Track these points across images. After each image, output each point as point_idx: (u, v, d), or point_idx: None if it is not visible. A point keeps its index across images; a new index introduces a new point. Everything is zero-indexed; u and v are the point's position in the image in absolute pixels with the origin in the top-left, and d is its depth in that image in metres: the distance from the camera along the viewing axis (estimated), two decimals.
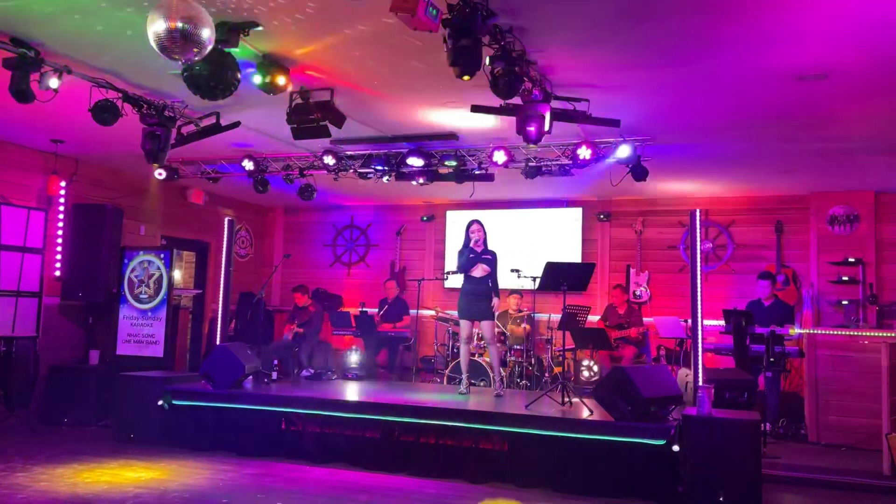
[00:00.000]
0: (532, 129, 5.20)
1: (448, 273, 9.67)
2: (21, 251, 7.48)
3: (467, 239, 6.90)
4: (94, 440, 6.89)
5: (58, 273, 8.10)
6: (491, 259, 6.86)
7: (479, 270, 6.83)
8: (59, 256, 8.13)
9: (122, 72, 5.44)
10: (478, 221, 6.97)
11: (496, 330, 8.71)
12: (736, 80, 5.14)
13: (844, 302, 8.15)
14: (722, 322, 7.41)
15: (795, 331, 7.72)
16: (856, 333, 7.37)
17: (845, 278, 8.17)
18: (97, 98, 5.65)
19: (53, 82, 5.10)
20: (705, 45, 4.56)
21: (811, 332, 7.84)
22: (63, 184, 8.10)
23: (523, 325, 8.91)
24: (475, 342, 8.23)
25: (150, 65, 5.19)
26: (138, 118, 5.95)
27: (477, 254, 6.82)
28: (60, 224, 8.14)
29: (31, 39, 4.84)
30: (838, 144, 6.60)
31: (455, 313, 7.36)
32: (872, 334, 7.12)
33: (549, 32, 4.45)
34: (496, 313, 6.88)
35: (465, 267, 6.88)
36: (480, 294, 6.82)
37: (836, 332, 7.61)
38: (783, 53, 4.63)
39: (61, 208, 8.15)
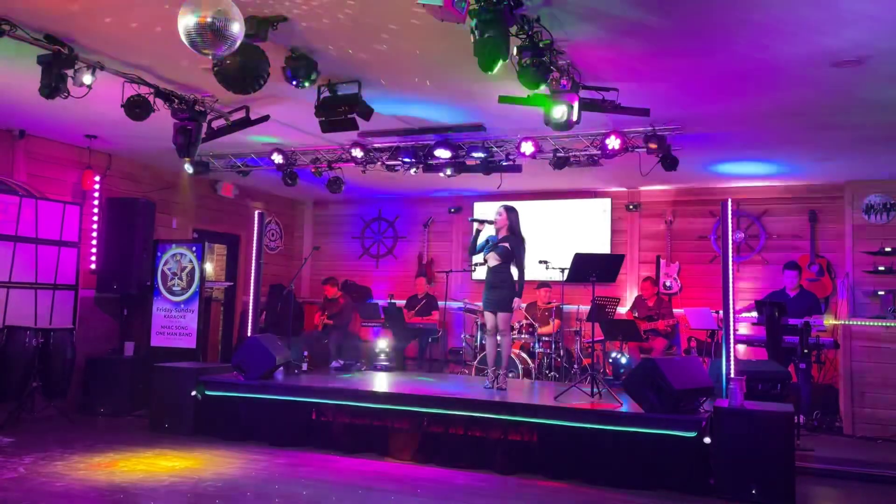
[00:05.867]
0: (560, 119, 5.16)
1: (473, 266, 9.69)
2: (57, 245, 7.64)
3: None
4: (129, 430, 7.03)
5: (93, 266, 8.27)
6: (507, 248, 6.45)
7: (491, 259, 6.56)
8: (94, 250, 8.29)
9: (154, 67, 5.52)
10: (503, 206, 6.63)
11: (525, 321, 8.73)
12: (769, 67, 5.04)
13: (881, 292, 7.98)
14: (754, 313, 7.31)
15: (830, 321, 7.59)
16: (892, 324, 7.23)
17: (881, 268, 8.00)
18: (129, 94, 5.74)
19: (87, 78, 5.19)
20: (737, 31, 4.48)
21: (846, 322, 7.70)
22: (97, 178, 8.25)
23: (552, 321, 8.87)
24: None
25: (180, 60, 5.25)
26: (170, 113, 6.03)
27: (496, 241, 6.55)
28: (95, 218, 8.30)
29: (64, 37, 4.92)
30: (874, 131, 6.46)
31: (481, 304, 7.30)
32: None
33: (577, 21, 4.40)
34: (515, 307, 6.55)
35: (470, 249, 6.74)
36: (494, 284, 6.54)
37: (872, 323, 7.47)
38: (818, 39, 4.53)
39: (96, 202, 8.30)
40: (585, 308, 8.42)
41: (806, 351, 6.82)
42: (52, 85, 5.01)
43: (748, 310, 7.77)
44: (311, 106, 5.89)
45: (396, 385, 6.96)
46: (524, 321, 8.73)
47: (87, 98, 5.30)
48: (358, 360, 8.66)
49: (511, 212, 6.61)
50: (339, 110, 5.79)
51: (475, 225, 6.69)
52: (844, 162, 7.68)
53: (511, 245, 6.49)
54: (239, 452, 6.09)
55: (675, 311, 8.79)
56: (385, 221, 11.43)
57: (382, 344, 8.98)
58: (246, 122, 6.34)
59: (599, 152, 7.02)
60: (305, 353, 7.90)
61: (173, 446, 6.22)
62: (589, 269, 6.35)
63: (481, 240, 6.67)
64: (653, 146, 6.62)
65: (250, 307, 8.00)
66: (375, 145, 7.71)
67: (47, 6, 4.45)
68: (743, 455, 5.05)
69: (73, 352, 7.45)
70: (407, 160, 7.66)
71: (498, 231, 6.61)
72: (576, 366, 8.73)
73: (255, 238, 8.10)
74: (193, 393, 6.82)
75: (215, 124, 6.46)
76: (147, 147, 7.98)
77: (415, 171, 7.93)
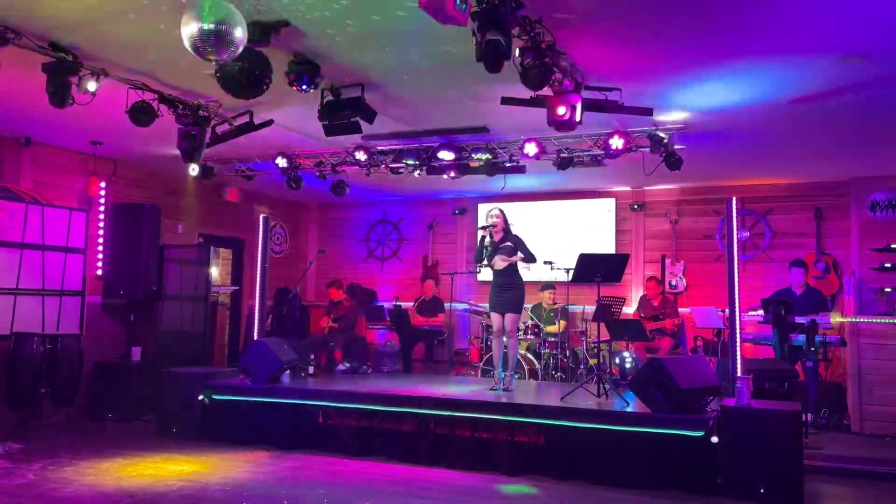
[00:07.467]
0: (563, 120, 5.17)
1: (479, 267, 9.69)
2: (64, 251, 7.67)
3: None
4: (137, 435, 7.05)
5: (99, 272, 8.29)
6: (511, 247, 6.58)
7: (499, 262, 6.62)
8: (100, 256, 8.31)
9: (158, 73, 5.54)
10: (498, 208, 6.74)
11: (531, 322, 8.72)
12: (773, 64, 5.03)
13: (887, 289, 7.95)
14: (760, 311, 7.29)
15: (837, 319, 7.55)
16: None
17: (888, 265, 7.96)
18: (134, 100, 5.76)
19: (91, 85, 5.22)
20: (740, 29, 4.48)
21: (853, 320, 7.66)
22: (103, 185, 8.27)
23: (557, 321, 8.86)
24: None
25: (184, 66, 5.27)
26: (174, 118, 6.06)
27: (494, 245, 6.62)
28: (101, 224, 8.31)
29: (68, 44, 4.95)
30: (880, 128, 6.44)
31: (487, 306, 7.32)
32: None
33: (579, 22, 4.40)
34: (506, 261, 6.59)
35: (477, 257, 6.82)
36: (502, 286, 6.62)
37: (879, 320, 7.44)
38: (822, 36, 4.52)
39: (101, 209, 8.32)
40: (591, 308, 8.41)
41: (813, 349, 6.79)
42: (58, 93, 5.04)
43: (754, 308, 7.74)
44: (314, 110, 5.91)
45: (403, 387, 6.96)
46: (530, 322, 8.72)
47: (91, 105, 5.33)
48: (364, 363, 8.67)
49: (503, 212, 6.76)
50: (343, 114, 5.80)
51: (480, 232, 6.72)
52: (850, 159, 7.66)
53: (513, 242, 6.61)
54: (247, 456, 6.10)
55: (680, 310, 8.78)
56: (390, 224, 11.44)
57: (388, 346, 8.99)
58: (250, 127, 6.36)
59: (603, 152, 7.02)
60: (311, 357, 7.91)
61: (181, 450, 6.24)
62: (594, 269, 6.35)
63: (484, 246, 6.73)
64: (656, 145, 6.61)
65: (256, 311, 8.02)
66: (379, 148, 7.72)
67: (52, 14, 4.47)
68: (750, 454, 5.03)
69: (81, 357, 7.47)
70: (411, 162, 7.68)
71: (496, 233, 6.67)
72: (582, 366, 8.72)
73: (260, 242, 8.12)
74: (201, 397, 6.84)
75: (219, 129, 6.49)
76: (152, 153, 8.01)
77: (419, 174, 7.94)
